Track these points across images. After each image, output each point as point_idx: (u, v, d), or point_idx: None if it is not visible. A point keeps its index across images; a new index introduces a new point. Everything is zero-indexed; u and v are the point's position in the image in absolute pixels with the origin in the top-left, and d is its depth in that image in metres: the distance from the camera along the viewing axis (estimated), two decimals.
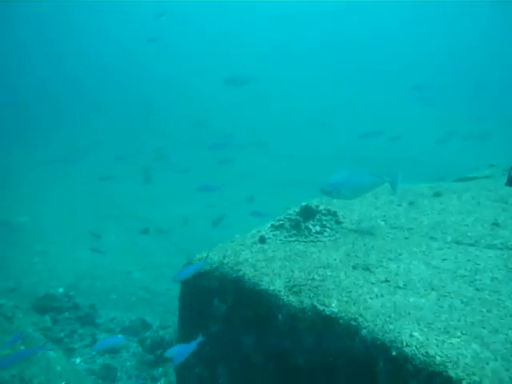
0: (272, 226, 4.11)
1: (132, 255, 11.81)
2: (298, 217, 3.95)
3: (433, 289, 2.94)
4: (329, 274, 3.29)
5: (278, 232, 4.03)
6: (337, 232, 3.92)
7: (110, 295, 9.68)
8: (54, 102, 25.37)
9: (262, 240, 3.95)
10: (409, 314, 2.67)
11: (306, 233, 3.87)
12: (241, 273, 3.57)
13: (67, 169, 18.39)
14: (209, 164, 14.91)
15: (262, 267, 3.55)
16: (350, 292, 3.00)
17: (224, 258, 3.84)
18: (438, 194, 4.75)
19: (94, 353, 7.01)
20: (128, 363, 6.85)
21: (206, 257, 3.92)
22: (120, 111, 24.01)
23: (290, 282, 3.29)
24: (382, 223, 4.19)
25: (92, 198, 15.62)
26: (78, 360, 6.72)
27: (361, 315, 2.74)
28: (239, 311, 3.58)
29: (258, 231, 4.23)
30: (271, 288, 3.30)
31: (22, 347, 4.56)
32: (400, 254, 3.48)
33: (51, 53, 30.33)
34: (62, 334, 7.44)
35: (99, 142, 21.06)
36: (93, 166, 17.95)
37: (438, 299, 2.81)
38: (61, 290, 9.35)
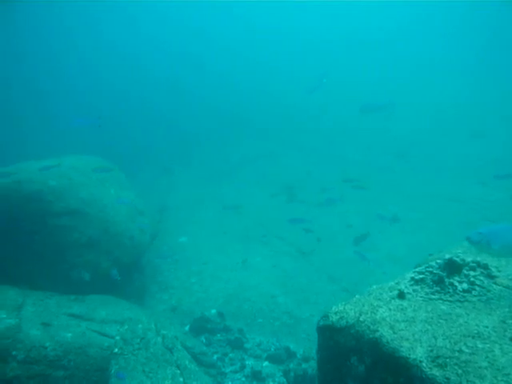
0: (412, 279, 3.84)
1: (276, 277, 12.20)
2: (440, 271, 3.61)
3: None
4: (480, 346, 2.93)
5: (418, 287, 3.74)
6: (489, 290, 3.46)
7: (256, 318, 10.15)
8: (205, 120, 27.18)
9: (401, 296, 3.72)
10: None
11: (451, 290, 3.51)
12: (378, 334, 3.42)
13: (221, 185, 19.29)
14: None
15: (401, 330, 3.34)
16: (509, 375, 2.62)
17: (360, 314, 3.73)
18: None
19: (244, 379, 7.45)
20: None
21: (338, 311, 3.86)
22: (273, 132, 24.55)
23: (432, 351, 3.03)
24: None
25: (240, 217, 16.41)
26: None
27: None
28: (378, 375, 3.42)
29: (397, 283, 4.00)
30: (412, 357, 3.08)
31: (181, 379, 5.15)
32: None
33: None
34: (215, 357, 8.08)
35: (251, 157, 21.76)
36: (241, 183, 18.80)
37: None
38: (213, 311, 10.17)
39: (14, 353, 5.96)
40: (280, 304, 10.73)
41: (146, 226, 11.21)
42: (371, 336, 3.46)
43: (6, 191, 8.76)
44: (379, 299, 3.85)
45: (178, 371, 5.41)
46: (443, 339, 3.07)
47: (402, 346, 3.19)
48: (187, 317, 10.15)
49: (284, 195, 17.73)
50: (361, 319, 3.67)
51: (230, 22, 37.41)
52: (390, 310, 3.63)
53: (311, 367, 7.21)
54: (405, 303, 3.64)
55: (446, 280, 3.58)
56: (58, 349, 6.23)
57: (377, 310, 3.67)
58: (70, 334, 6.63)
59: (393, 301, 3.74)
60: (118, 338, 6.00)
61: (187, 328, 9.28)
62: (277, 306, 10.61)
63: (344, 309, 3.91)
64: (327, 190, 15.16)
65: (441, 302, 3.52)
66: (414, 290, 3.74)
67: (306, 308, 10.58)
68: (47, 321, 6.73)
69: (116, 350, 5.82)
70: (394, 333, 3.33)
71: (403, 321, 3.42)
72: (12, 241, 8.61)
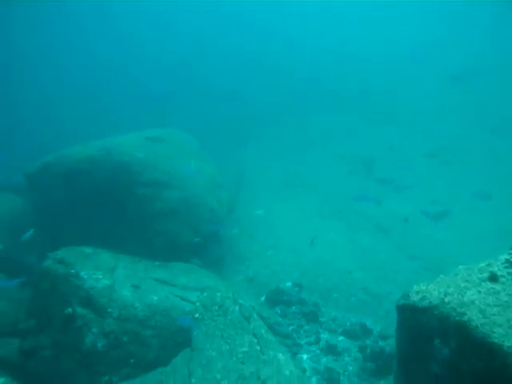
0: (507, 261, 3.53)
1: (352, 253, 11.99)
2: None
3: None
4: None
5: None
6: None
7: (331, 293, 10.11)
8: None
9: (494, 278, 3.45)
10: None
11: None
12: (466, 317, 3.22)
13: (300, 159, 18.88)
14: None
15: (494, 314, 3.11)
16: None
17: (446, 295, 3.53)
18: None
19: (319, 351, 7.52)
20: (350, 368, 7.07)
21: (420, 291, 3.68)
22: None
23: None
24: None
25: (316, 192, 16.21)
26: (304, 357, 7.34)
27: None
28: (467, 360, 3.23)
29: (488, 265, 3.71)
30: (506, 344, 2.87)
31: (258, 347, 5.34)
32: None
33: None
34: (290, 329, 8.22)
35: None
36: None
37: None
38: (289, 283, 10.29)
39: (109, 310, 6.58)
40: (356, 280, 10.56)
41: (223, 199, 11.54)
42: (458, 319, 3.27)
43: (99, 163, 9.53)
44: (467, 281, 3.61)
45: (255, 340, 5.60)
46: None
47: (494, 332, 2.98)
48: (263, 288, 10.38)
49: (363, 172, 17.15)
50: (446, 300, 3.48)
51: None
52: (479, 292, 3.39)
53: (389, 345, 7.06)
54: (498, 287, 3.38)
55: None
56: (146, 309, 6.75)
57: (464, 292, 3.45)
58: (156, 297, 7.14)
59: (483, 283, 3.49)
60: (198, 304, 6.34)
61: (263, 299, 9.52)
62: (353, 282, 10.45)
63: (427, 288, 3.73)
64: (406, 167, 14.42)
65: None
66: (508, 273, 3.45)
67: (383, 285, 10.31)
68: (136, 283, 7.30)
69: (197, 315, 6.16)
70: (485, 317, 3.11)
71: (495, 305, 3.18)
72: (105, 208, 9.38)
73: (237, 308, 6.25)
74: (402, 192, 11.44)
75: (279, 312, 8.88)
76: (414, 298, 3.84)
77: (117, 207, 9.48)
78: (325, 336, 8.01)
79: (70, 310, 6.53)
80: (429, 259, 11.20)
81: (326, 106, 23.65)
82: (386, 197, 13.24)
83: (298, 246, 12.51)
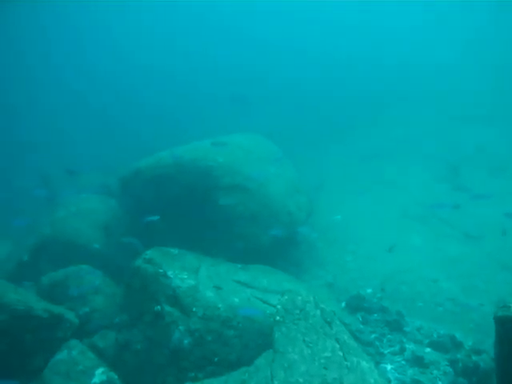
0: None
1: (438, 261, 11.33)
2: None
3: None
4: None
5: None
6: None
7: (415, 302, 9.64)
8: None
9: None
10: None
11: None
12: None
13: (380, 165, 17.93)
14: None
15: None
16: None
17: None
18: None
19: (404, 362, 7.19)
20: (439, 382, 6.65)
21: None
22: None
23: None
24: None
25: (397, 197, 15.57)
26: (388, 367, 7.06)
27: None
28: None
29: None
30: None
31: (341, 353, 5.24)
32: None
33: None
34: (373, 337, 7.96)
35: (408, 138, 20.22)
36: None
37: None
38: (369, 290, 10.01)
39: (194, 309, 6.88)
40: (443, 289, 9.95)
41: (302, 203, 11.54)
42: None
43: (183, 167, 10.06)
44: None
45: (338, 345, 5.50)
46: None
47: None
48: (342, 294, 10.19)
49: (448, 176, 16.17)
50: None
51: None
52: None
53: (483, 360, 6.52)
54: None
55: None
56: (228, 310, 6.95)
57: None
58: (237, 299, 7.33)
59: None
60: (279, 306, 6.38)
61: (343, 305, 9.35)
62: (439, 291, 9.87)
63: None
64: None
65: None
66: None
67: (473, 296, 9.61)
68: (219, 285, 7.55)
69: (278, 317, 6.20)
70: None
71: None
72: (190, 211, 9.86)
73: (318, 312, 6.19)
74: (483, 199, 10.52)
75: (360, 319, 8.66)
76: None
77: (200, 210, 9.92)
78: (410, 346, 7.63)
79: (158, 307, 6.94)
80: None
81: (410, 107, 22.57)
82: (469, 203, 12.29)
83: (379, 251, 12.12)
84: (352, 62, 29.41)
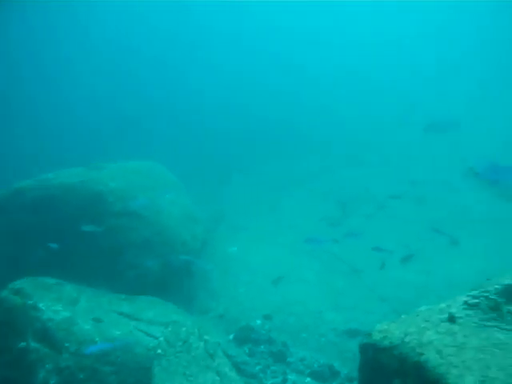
0: (465, 303, 3.58)
1: (325, 293, 11.90)
2: (497, 297, 3.33)
3: None
4: None
5: (471, 312, 3.48)
6: None
7: (301, 333, 9.93)
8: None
9: (452, 319, 3.48)
10: None
11: (509, 319, 3.22)
12: (423, 358, 3.21)
13: (280, 196, 18.44)
14: None
15: (450, 355, 3.11)
16: None
17: (406, 335, 3.53)
18: None
19: None
20: None
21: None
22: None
23: (484, 382, 2.78)
24: None
25: (292, 230, 16.17)
26: None
27: None
28: None
29: (448, 306, 3.75)
30: None
31: None
32: None
33: None
34: (257, 368, 7.99)
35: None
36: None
37: None
38: (258, 321, 10.11)
39: (66, 344, 6.28)
40: (327, 320, 10.44)
41: (198, 233, 11.45)
42: (416, 359, 3.26)
43: (73, 191, 9.40)
44: (427, 321, 3.62)
45: (218, 378, 5.41)
46: (497, 370, 2.82)
47: (449, 373, 2.97)
48: (233, 325, 10.14)
49: (337, 211, 17.27)
50: (406, 340, 3.47)
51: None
52: (438, 333, 3.40)
53: None
54: (455, 328, 3.40)
55: (504, 307, 3.30)
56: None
57: (424, 332, 3.46)
58: (118, 332, 6.87)
59: (442, 324, 3.51)
60: (161, 339, 6.14)
61: (231, 337, 9.29)
62: (323, 322, 10.32)
63: (388, 328, 3.72)
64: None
65: (497, 330, 3.25)
66: (466, 315, 3.49)
67: (353, 326, 10.21)
68: (99, 317, 7.03)
69: (159, 350, 5.94)
70: (442, 358, 3.11)
71: (452, 346, 3.19)
72: (75, 237, 9.15)
73: (202, 344, 6.06)
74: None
75: (247, 351, 8.65)
76: (376, 337, 3.82)
77: (88, 237, 9.27)
78: (292, 377, 7.81)
79: (24, 343, 6.21)
80: (399, 302, 11.19)
81: (310, 145, 23.80)
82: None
83: (271, 284, 12.39)
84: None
